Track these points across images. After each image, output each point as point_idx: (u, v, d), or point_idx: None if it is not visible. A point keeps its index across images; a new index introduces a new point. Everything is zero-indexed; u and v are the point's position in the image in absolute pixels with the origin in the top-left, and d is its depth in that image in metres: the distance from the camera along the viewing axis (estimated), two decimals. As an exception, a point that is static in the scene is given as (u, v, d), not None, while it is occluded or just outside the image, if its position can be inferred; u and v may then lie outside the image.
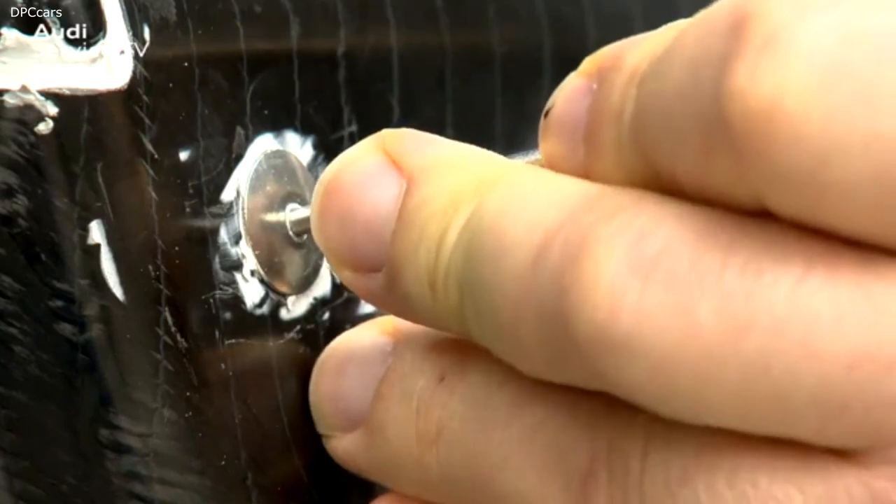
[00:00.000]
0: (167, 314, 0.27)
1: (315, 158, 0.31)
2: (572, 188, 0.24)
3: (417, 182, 0.26)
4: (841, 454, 0.22)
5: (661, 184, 0.23)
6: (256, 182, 0.29)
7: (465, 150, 0.27)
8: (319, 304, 0.31)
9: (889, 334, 0.21)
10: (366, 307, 0.32)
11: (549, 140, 0.26)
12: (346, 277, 0.28)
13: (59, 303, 0.26)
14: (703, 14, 0.22)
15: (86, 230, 0.26)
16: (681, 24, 0.24)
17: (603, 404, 0.24)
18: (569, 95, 0.25)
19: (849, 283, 0.21)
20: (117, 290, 0.26)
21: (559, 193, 0.24)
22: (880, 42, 0.20)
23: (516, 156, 0.28)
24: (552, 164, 0.26)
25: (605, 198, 0.23)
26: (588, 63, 0.25)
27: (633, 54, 0.24)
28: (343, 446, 0.29)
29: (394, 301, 0.27)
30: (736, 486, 0.22)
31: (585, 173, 0.25)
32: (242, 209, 0.29)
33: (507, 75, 0.37)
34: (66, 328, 0.26)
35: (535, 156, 0.27)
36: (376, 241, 0.27)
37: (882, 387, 0.21)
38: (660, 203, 0.22)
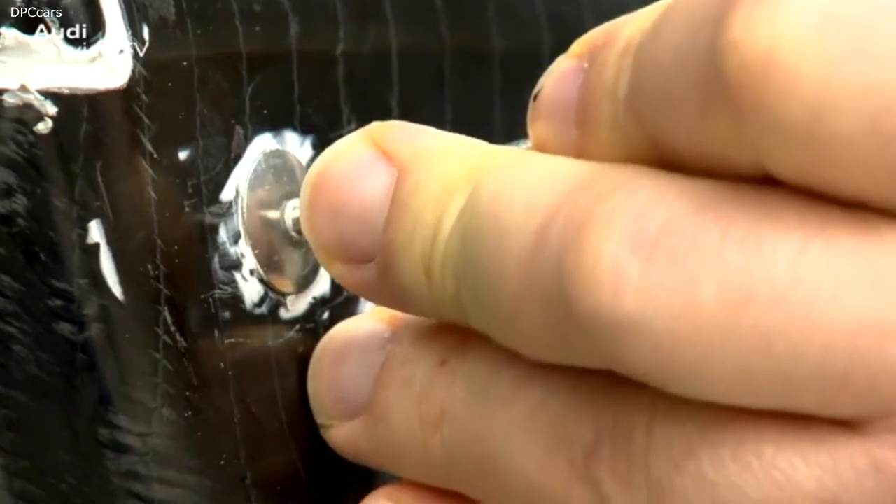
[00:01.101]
0: (166, 313, 0.27)
1: (314, 158, 0.31)
2: (567, 168, 0.24)
3: (409, 170, 0.26)
4: (844, 424, 0.22)
5: (659, 157, 0.23)
6: (255, 181, 0.29)
7: (456, 138, 0.27)
8: (319, 303, 0.31)
9: (890, 303, 0.21)
10: (365, 305, 0.32)
11: (539, 123, 0.26)
12: (337, 270, 0.27)
13: (59, 302, 0.26)
14: None
15: (85, 229, 0.26)
16: None
17: (606, 381, 0.24)
18: (558, 77, 0.25)
19: (848, 252, 0.21)
20: (116, 290, 0.26)
21: (555, 174, 0.24)
22: None
23: (506, 146, 0.28)
24: (542, 148, 0.26)
25: (602, 176, 0.23)
26: (577, 45, 0.25)
27: (626, 29, 0.24)
28: (343, 435, 0.29)
29: (388, 291, 0.27)
30: (741, 458, 0.22)
31: (577, 154, 0.25)
32: (242, 208, 0.29)
33: (506, 74, 0.37)
34: (65, 327, 0.26)
35: (525, 144, 0.27)
36: (368, 231, 0.27)
37: (885, 356, 0.21)
38: (656, 178, 0.22)
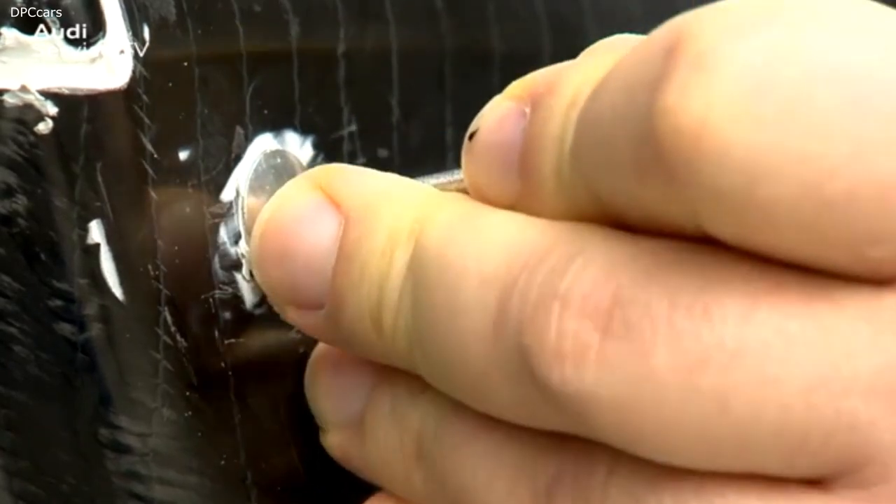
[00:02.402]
0: (167, 314, 0.27)
1: (315, 158, 0.31)
2: (517, 233, 0.24)
3: (354, 219, 0.27)
4: (806, 482, 0.22)
5: (603, 211, 0.23)
6: (256, 182, 0.29)
7: (399, 183, 0.27)
8: (319, 303, 0.31)
9: (841, 360, 0.21)
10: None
11: (476, 165, 0.26)
12: (290, 315, 0.28)
13: (59, 302, 0.26)
14: (642, 40, 0.22)
15: (85, 230, 0.26)
16: (615, 41, 0.24)
17: None
18: (498, 120, 0.25)
19: (796, 312, 0.21)
20: (117, 290, 0.26)
21: (505, 240, 0.24)
22: (808, 63, 0.20)
23: (439, 176, 0.28)
24: (478, 190, 0.26)
25: (553, 246, 0.23)
26: (517, 87, 0.25)
27: (571, 80, 0.24)
28: (337, 442, 0.29)
29: (339, 338, 0.27)
30: (703, 498, 0.22)
31: (516, 199, 0.25)
32: (242, 209, 0.29)
33: (506, 74, 0.37)
34: (65, 328, 0.26)
35: (458, 175, 0.27)
36: (317, 278, 0.27)
37: (839, 413, 0.21)
38: (606, 245, 0.23)
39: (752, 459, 0.22)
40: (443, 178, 0.28)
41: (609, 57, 0.24)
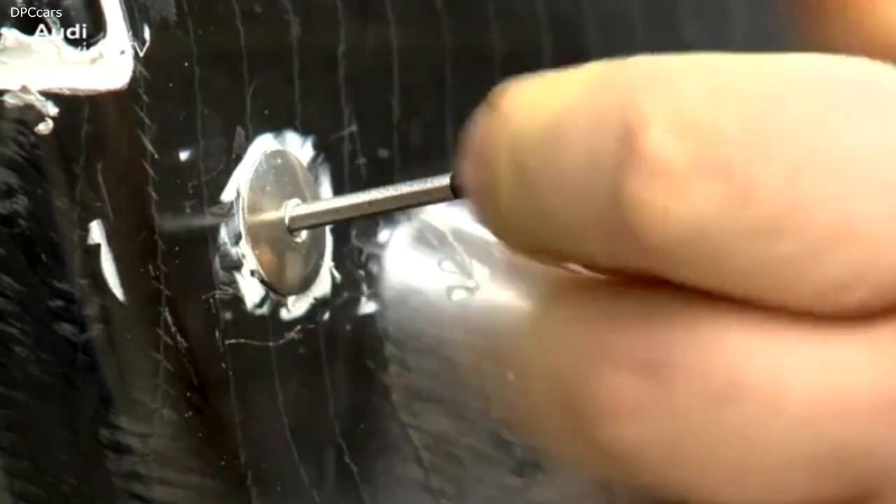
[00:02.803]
0: (167, 314, 0.27)
1: (315, 158, 0.31)
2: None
3: None
4: None
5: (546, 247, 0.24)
6: (256, 182, 0.29)
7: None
8: (320, 303, 0.31)
9: (843, 389, 0.21)
10: (366, 307, 0.32)
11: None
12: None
13: (60, 303, 0.26)
14: (590, 101, 0.22)
15: (86, 230, 0.26)
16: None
17: None
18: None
19: (799, 345, 0.22)
20: (117, 291, 0.26)
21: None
22: (761, 152, 0.21)
23: (412, 184, 0.28)
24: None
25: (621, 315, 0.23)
26: (493, 93, 0.26)
27: (521, 101, 0.25)
28: None
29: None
30: None
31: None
32: (242, 209, 0.29)
33: (507, 75, 0.37)
34: (66, 328, 0.26)
35: (430, 184, 0.27)
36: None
37: (847, 439, 0.21)
38: (639, 305, 0.23)
39: (776, 489, 0.22)
40: (416, 186, 0.28)
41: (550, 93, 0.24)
